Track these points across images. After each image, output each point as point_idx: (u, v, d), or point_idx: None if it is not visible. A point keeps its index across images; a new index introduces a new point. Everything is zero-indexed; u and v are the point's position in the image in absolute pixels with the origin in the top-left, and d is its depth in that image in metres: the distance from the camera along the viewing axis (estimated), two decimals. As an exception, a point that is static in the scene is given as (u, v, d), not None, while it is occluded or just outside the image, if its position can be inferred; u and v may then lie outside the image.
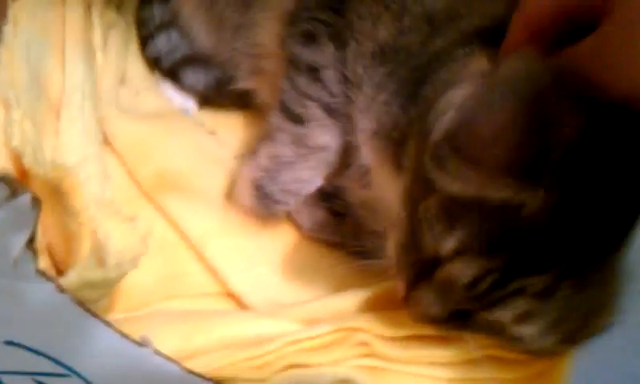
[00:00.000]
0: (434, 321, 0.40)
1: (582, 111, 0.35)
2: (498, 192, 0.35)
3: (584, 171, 0.35)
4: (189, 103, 0.65)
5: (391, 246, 0.42)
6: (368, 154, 0.49)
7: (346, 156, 0.52)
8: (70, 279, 0.38)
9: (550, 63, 0.36)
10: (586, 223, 0.35)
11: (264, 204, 0.54)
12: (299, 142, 0.52)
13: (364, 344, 0.45)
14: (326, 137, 0.51)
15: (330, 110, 0.51)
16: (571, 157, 0.35)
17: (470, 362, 0.44)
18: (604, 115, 0.35)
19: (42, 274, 0.36)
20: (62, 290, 0.37)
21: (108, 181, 0.50)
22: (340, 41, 0.49)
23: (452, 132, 0.37)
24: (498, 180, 0.35)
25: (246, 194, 0.54)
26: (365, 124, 0.48)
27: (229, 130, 0.63)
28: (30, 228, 0.32)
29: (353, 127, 0.49)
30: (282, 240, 0.55)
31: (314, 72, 0.51)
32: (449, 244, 0.37)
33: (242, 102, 0.63)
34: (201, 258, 0.52)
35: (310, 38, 0.51)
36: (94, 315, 0.39)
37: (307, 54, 0.51)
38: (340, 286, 0.50)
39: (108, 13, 0.64)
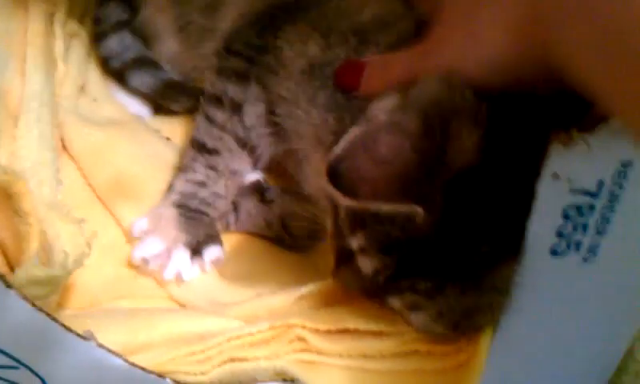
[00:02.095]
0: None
1: (479, 127, 0.39)
2: (388, 208, 0.39)
3: (472, 190, 0.39)
4: (143, 109, 0.67)
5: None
6: (309, 162, 0.52)
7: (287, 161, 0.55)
8: (18, 276, 0.40)
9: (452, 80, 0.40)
10: (471, 237, 0.40)
11: (192, 219, 0.56)
12: (213, 168, 0.56)
13: (300, 339, 0.47)
14: (237, 163, 0.56)
15: (242, 143, 0.55)
16: (462, 177, 0.39)
17: (400, 355, 0.47)
18: (503, 126, 0.39)
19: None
20: (8, 285, 0.40)
21: (60, 185, 0.52)
22: (266, 77, 0.53)
23: (346, 152, 0.40)
24: (388, 199, 0.39)
25: (171, 219, 0.55)
26: (306, 135, 0.52)
27: (185, 136, 0.64)
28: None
29: (290, 138, 0.53)
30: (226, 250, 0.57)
31: (236, 107, 0.55)
32: (353, 243, 0.43)
33: (191, 106, 0.64)
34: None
35: (238, 75, 0.55)
36: (42, 311, 0.41)
37: (233, 91, 0.55)
38: (277, 285, 0.53)
39: (70, 23, 0.66)
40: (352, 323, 0.47)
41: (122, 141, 0.60)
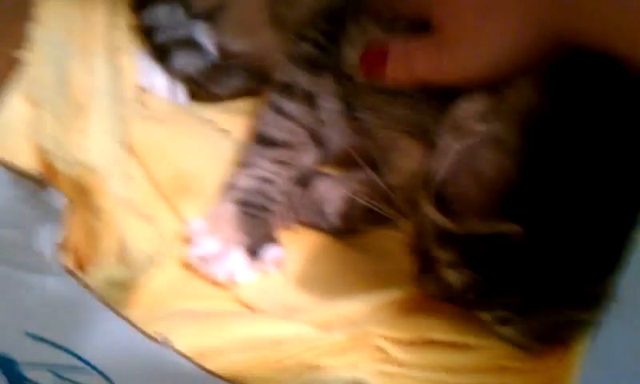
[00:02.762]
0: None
1: (567, 148, 0.37)
2: (487, 228, 0.38)
3: (562, 211, 0.37)
4: (180, 95, 0.63)
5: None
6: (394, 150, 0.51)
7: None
8: (94, 277, 0.39)
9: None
10: (564, 253, 0.38)
11: (252, 216, 0.53)
12: (281, 162, 0.54)
13: (380, 349, 0.45)
14: (306, 158, 0.54)
15: (315, 136, 0.53)
16: (552, 197, 0.37)
17: (486, 370, 0.45)
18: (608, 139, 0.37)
19: (67, 270, 0.37)
20: (86, 286, 0.38)
21: (130, 181, 0.51)
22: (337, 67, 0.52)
23: (449, 175, 0.38)
24: (489, 218, 0.38)
25: (232, 217, 0.53)
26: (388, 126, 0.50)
27: (236, 126, 0.61)
28: (57, 224, 0.33)
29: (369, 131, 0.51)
30: (292, 249, 0.55)
31: (308, 98, 0.52)
32: (441, 255, 0.41)
33: (235, 90, 0.62)
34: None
35: (309, 63, 0.53)
36: (115, 312, 0.40)
37: (304, 79, 0.53)
38: (347, 289, 0.51)
39: (132, 14, 0.65)
40: (435, 334, 0.45)
41: (181, 135, 0.58)
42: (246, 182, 0.54)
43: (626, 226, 0.37)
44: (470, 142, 0.39)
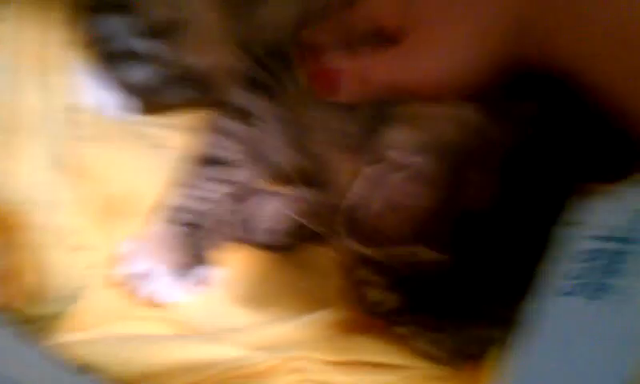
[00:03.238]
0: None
1: (494, 174, 0.39)
2: (398, 251, 0.39)
3: (480, 231, 0.39)
4: (127, 107, 0.63)
5: None
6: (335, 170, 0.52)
7: None
8: (14, 314, 0.39)
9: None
10: (475, 274, 0.40)
11: (186, 237, 0.54)
12: (221, 181, 0.54)
13: (311, 371, 0.47)
14: (247, 176, 0.55)
15: (258, 156, 0.54)
16: (471, 219, 0.39)
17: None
18: (516, 171, 0.39)
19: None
20: (5, 323, 0.38)
21: (61, 208, 0.50)
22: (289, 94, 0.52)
23: (362, 199, 0.40)
24: (400, 243, 0.39)
25: (163, 238, 0.54)
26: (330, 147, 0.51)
27: (175, 141, 0.61)
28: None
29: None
30: (231, 264, 0.56)
31: (257, 121, 0.53)
32: (363, 276, 0.43)
33: (188, 98, 0.62)
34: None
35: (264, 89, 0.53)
36: (35, 346, 0.40)
37: (255, 104, 0.53)
38: (283, 309, 0.52)
39: (66, 30, 0.64)
40: (365, 355, 0.46)
41: (113, 155, 0.57)
42: (180, 201, 0.55)
43: (534, 252, 0.39)
44: (386, 171, 0.40)
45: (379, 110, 0.45)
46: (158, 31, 0.62)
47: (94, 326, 0.51)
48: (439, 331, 0.43)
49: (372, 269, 0.42)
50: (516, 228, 0.40)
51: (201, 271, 0.54)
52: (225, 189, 0.55)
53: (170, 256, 0.53)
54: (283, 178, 0.57)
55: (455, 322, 0.42)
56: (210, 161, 0.55)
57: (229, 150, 0.54)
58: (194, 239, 0.54)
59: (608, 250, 0.41)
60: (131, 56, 0.62)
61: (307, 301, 0.52)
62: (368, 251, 0.40)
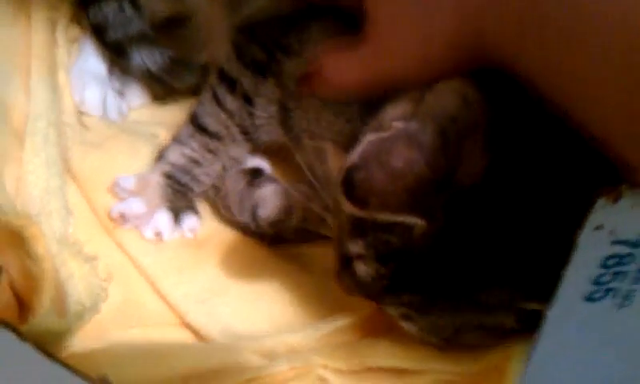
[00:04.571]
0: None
1: (487, 154, 0.39)
2: (390, 217, 0.39)
3: (473, 210, 0.39)
4: (117, 106, 0.63)
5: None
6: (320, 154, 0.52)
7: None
8: (32, 327, 0.38)
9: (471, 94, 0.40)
10: (466, 256, 0.40)
11: (180, 195, 0.56)
12: (211, 151, 0.56)
13: (322, 379, 0.46)
14: (237, 151, 0.56)
15: (247, 133, 0.55)
16: (464, 196, 0.38)
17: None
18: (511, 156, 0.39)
19: (2, 322, 0.37)
20: (23, 338, 0.38)
21: (70, 216, 0.50)
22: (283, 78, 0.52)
23: (361, 162, 0.39)
24: (394, 211, 0.39)
25: (157, 187, 0.55)
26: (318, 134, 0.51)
27: None
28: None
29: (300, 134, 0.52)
30: (237, 272, 0.55)
31: (248, 99, 0.53)
32: (352, 249, 0.42)
33: (194, 85, 0.62)
34: (157, 290, 0.52)
35: (256, 67, 0.53)
36: (55, 360, 0.40)
37: (248, 82, 0.53)
38: (295, 317, 0.52)
39: (72, 28, 0.64)
40: (376, 361, 0.46)
41: (118, 159, 0.58)
42: (176, 157, 0.56)
43: (528, 241, 0.39)
44: (384, 135, 0.40)
45: (367, 105, 0.45)
46: (160, 24, 0.62)
47: (107, 331, 0.50)
48: (429, 314, 0.42)
49: (361, 236, 0.41)
50: (510, 211, 0.39)
51: (191, 219, 0.56)
52: (215, 159, 0.56)
53: (163, 203, 0.55)
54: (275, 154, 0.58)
55: (447, 307, 0.42)
56: (204, 129, 0.55)
57: (222, 124, 0.55)
58: (185, 195, 0.56)
59: (637, 256, 0.40)
60: (135, 42, 0.62)
61: (317, 308, 0.52)
62: (362, 214, 0.39)
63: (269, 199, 0.57)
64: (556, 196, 0.40)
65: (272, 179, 0.59)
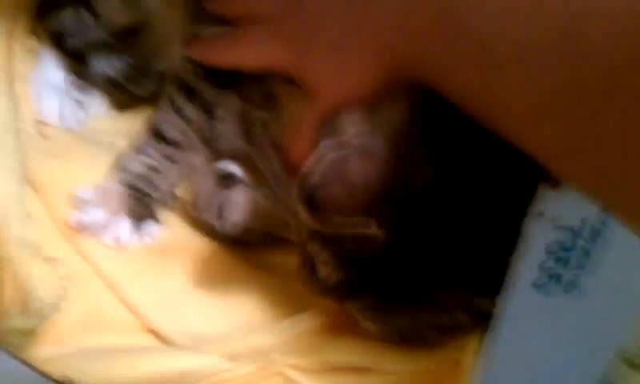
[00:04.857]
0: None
1: (431, 160, 0.41)
2: (347, 224, 0.41)
3: (424, 211, 0.41)
4: (76, 115, 0.63)
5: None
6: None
7: None
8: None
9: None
10: (420, 257, 0.41)
11: (140, 203, 0.56)
12: (169, 158, 0.56)
13: (288, 379, 0.47)
14: (196, 159, 0.56)
15: (207, 141, 0.55)
16: (415, 198, 0.40)
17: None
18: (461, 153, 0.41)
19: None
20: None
21: (32, 222, 0.50)
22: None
23: (322, 179, 0.41)
24: (350, 223, 0.41)
25: (117, 196, 0.55)
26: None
27: None
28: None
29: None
30: (201, 276, 0.55)
31: (209, 108, 0.54)
32: (314, 253, 0.44)
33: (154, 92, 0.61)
34: (120, 296, 0.52)
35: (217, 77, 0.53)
36: (17, 358, 0.40)
37: (209, 92, 0.54)
38: (257, 311, 0.52)
39: (30, 39, 0.64)
40: (341, 359, 0.47)
41: (78, 169, 0.57)
42: (135, 166, 0.56)
43: (474, 240, 0.41)
44: (343, 153, 0.41)
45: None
46: (118, 33, 0.62)
47: (73, 338, 0.50)
48: (383, 311, 0.44)
49: (322, 243, 0.43)
50: (458, 213, 0.41)
51: (151, 227, 0.56)
52: (175, 166, 0.56)
53: (124, 210, 0.55)
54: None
55: (404, 308, 0.43)
56: (162, 137, 0.55)
57: (179, 131, 0.55)
58: (144, 202, 0.56)
59: (579, 244, 0.42)
60: (96, 49, 0.62)
61: (281, 308, 0.52)
62: (316, 223, 0.41)
63: (239, 203, 0.57)
64: (499, 192, 0.42)
65: (242, 183, 0.58)
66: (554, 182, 0.39)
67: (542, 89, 0.33)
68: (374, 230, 0.40)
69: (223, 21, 0.53)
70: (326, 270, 0.44)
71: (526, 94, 0.34)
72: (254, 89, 0.52)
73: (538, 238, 0.41)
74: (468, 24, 0.36)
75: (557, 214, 0.40)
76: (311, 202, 0.41)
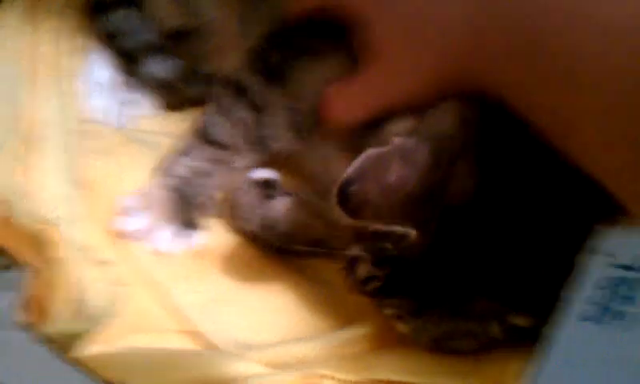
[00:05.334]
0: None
1: (473, 176, 0.41)
2: (384, 228, 0.41)
3: (463, 225, 0.41)
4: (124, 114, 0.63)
5: None
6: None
7: None
8: (48, 330, 0.39)
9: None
10: (455, 267, 0.42)
11: (184, 208, 0.56)
12: (218, 161, 0.55)
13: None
14: (246, 161, 0.56)
15: (257, 142, 0.55)
16: (456, 211, 0.41)
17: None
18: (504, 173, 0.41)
19: (21, 325, 0.38)
20: (39, 340, 0.39)
21: (83, 223, 0.50)
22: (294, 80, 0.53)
23: (357, 175, 0.41)
24: (386, 222, 0.41)
25: (162, 201, 0.55)
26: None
27: None
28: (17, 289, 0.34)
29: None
30: (245, 282, 0.55)
31: (259, 108, 0.53)
32: (354, 251, 0.44)
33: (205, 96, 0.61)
34: (164, 298, 0.53)
35: (269, 72, 0.54)
36: (70, 363, 0.41)
37: (259, 89, 0.53)
38: (303, 329, 0.52)
39: (79, 37, 0.64)
40: (385, 374, 0.47)
41: (127, 168, 0.57)
42: (181, 170, 0.56)
43: (516, 258, 0.41)
44: (383, 153, 0.42)
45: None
46: (170, 35, 0.63)
47: (119, 338, 0.51)
48: (419, 317, 0.44)
49: (362, 245, 0.43)
50: (500, 228, 0.41)
51: (195, 237, 0.56)
52: (223, 170, 0.56)
53: (168, 217, 0.55)
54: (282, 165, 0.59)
55: (437, 312, 0.44)
56: (209, 140, 0.55)
57: (229, 135, 0.55)
58: (191, 208, 0.56)
59: (631, 276, 0.42)
60: (148, 50, 0.63)
61: (325, 319, 0.52)
62: (356, 223, 0.41)
63: (282, 212, 0.57)
64: (543, 217, 0.42)
65: (284, 191, 0.58)
66: (612, 220, 0.39)
67: (619, 113, 0.33)
68: (408, 231, 0.41)
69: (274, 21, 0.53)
70: (364, 269, 0.44)
71: (603, 117, 0.34)
72: (304, 82, 0.52)
73: (591, 273, 0.41)
74: (556, 46, 0.36)
75: (612, 251, 0.40)
76: (344, 196, 0.41)
